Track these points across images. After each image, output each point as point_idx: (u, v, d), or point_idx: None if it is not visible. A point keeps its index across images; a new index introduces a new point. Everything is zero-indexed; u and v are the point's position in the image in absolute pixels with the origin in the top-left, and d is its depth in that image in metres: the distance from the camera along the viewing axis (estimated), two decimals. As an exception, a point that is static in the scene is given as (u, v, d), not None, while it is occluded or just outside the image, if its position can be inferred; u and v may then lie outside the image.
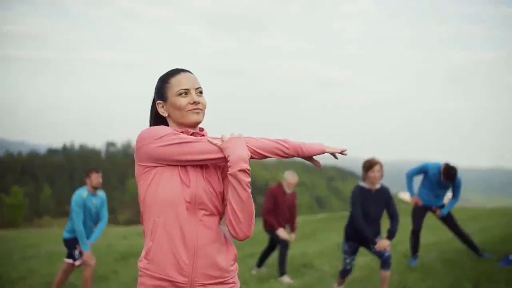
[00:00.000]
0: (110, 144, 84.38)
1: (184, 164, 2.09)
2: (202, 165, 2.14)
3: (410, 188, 7.15)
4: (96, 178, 6.21)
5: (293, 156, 2.19)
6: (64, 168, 72.27)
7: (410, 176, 7.10)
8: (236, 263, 2.24)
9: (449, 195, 7.16)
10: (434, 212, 7.09)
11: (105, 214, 6.45)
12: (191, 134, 2.18)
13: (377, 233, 5.41)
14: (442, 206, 7.05)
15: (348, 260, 5.59)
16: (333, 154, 2.22)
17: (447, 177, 6.74)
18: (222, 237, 2.18)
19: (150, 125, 2.30)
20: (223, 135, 2.14)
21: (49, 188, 63.32)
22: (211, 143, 2.09)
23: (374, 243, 5.27)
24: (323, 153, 2.21)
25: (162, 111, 2.22)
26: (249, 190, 2.07)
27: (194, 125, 2.19)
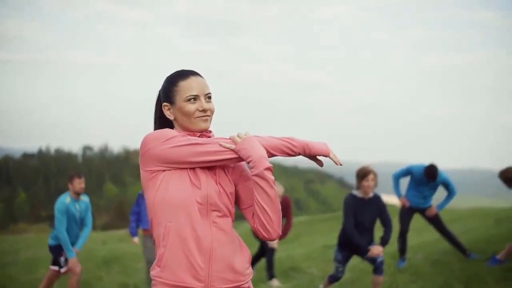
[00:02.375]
0: (87, 148, 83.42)
1: (195, 166, 2.02)
2: (211, 167, 2.07)
3: (397, 190, 7.15)
4: (78, 183, 6.09)
5: (299, 154, 2.15)
6: (39, 173, 71.21)
7: (396, 178, 7.10)
8: (251, 267, 2.17)
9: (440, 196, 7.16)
10: (422, 213, 7.09)
11: (89, 220, 6.34)
12: (198, 136, 2.11)
13: (370, 242, 5.36)
14: (429, 207, 7.05)
15: (340, 269, 5.55)
16: (332, 159, 2.19)
17: (429, 175, 6.77)
18: (236, 239, 2.11)
19: (155, 127, 2.23)
20: (231, 135, 2.08)
21: (24, 193, 62.30)
22: (222, 145, 2.02)
23: (367, 252, 5.22)
24: (327, 155, 2.17)
25: (169, 114, 2.15)
26: (275, 188, 2.03)
27: (202, 131, 2.13)
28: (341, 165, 2.19)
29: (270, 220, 2.02)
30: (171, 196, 1.99)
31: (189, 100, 2.08)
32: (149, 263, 6.82)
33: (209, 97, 2.13)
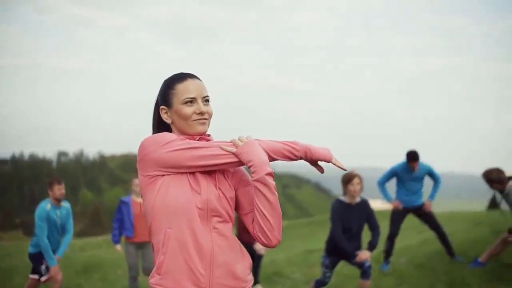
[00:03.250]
0: (61, 154, 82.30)
1: (195, 170, 1.98)
2: (211, 171, 2.03)
3: (385, 195, 7.18)
4: (58, 189, 5.96)
5: (301, 158, 2.11)
6: (12, 179, 70.00)
7: (382, 183, 7.14)
8: (251, 274, 2.12)
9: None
10: (416, 212, 7.12)
11: (71, 226, 6.21)
12: (197, 140, 2.07)
13: (358, 247, 5.35)
14: (422, 205, 7.08)
15: (328, 274, 5.53)
16: (334, 164, 2.15)
17: (410, 159, 6.86)
18: (237, 245, 2.06)
19: (153, 131, 2.17)
20: (232, 139, 2.04)
21: (-3, 200, 61.19)
22: (223, 149, 1.98)
23: (355, 257, 5.21)
24: (329, 161, 2.12)
25: (166, 118, 2.11)
26: (277, 194, 1.98)
27: (199, 135, 2.08)
28: (345, 170, 2.15)
29: (271, 226, 1.98)
30: (170, 201, 1.95)
31: (186, 103, 2.04)
32: (132, 270, 6.71)
33: (207, 100, 2.09)
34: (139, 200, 6.70)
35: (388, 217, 7.37)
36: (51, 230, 5.95)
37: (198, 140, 2.06)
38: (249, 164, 1.96)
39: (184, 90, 2.05)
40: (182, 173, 1.97)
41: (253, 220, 2.04)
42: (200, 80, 2.11)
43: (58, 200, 5.98)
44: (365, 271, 5.26)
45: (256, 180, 1.95)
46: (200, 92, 2.06)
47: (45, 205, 5.92)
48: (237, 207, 2.11)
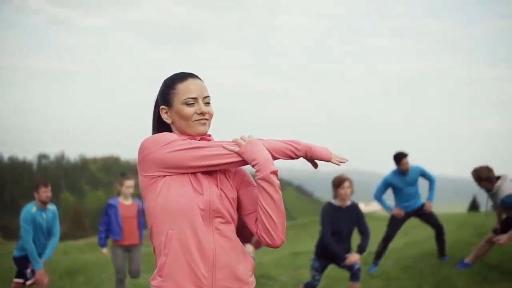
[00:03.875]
0: (42, 156, 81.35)
1: (197, 171, 1.96)
2: (213, 172, 2.01)
3: (385, 206, 7.23)
4: (44, 192, 5.88)
5: (301, 157, 2.10)
6: (-8, 182, 68.96)
7: (379, 196, 7.18)
8: (253, 275, 2.10)
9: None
10: (417, 214, 7.14)
11: (57, 229, 6.13)
12: (199, 140, 2.05)
13: (347, 250, 5.37)
14: (422, 206, 7.11)
15: (317, 277, 5.53)
16: (334, 163, 2.13)
17: (398, 159, 6.91)
18: (240, 246, 2.04)
19: (153, 131, 2.15)
20: (234, 138, 2.02)
21: (-24, 203, 60.21)
22: (226, 148, 1.96)
23: (344, 260, 5.23)
24: (329, 160, 2.11)
25: (166, 118, 2.08)
26: (280, 193, 1.97)
27: (200, 135, 2.06)
28: (347, 160, 2.13)
29: (275, 225, 1.96)
30: (172, 202, 1.92)
31: (186, 103, 2.02)
32: (119, 272, 6.65)
33: (208, 101, 2.07)
34: (126, 202, 6.64)
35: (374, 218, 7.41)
36: (37, 233, 5.88)
37: (199, 140, 2.04)
38: (253, 162, 1.94)
39: (185, 90, 2.03)
40: (183, 173, 1.95)
41: (256, 220, 2.02)
42: (201, 80, 2.09)
43: (44, 203, 5.91)
44: (354, 274, 5.28)
45: (261, 179, 1.93)
46: (201, 92, 2.04)
47: (31, 208, 5.85)
48: (239, 207, 2.09)
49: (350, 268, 5.29)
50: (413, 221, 8.09)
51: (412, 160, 7.05)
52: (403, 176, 6.98)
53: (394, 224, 7.15)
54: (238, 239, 2.06)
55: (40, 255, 5.93)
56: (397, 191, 7.09)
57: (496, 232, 6.19)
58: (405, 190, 7.01)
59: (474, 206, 46.48)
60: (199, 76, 2.11)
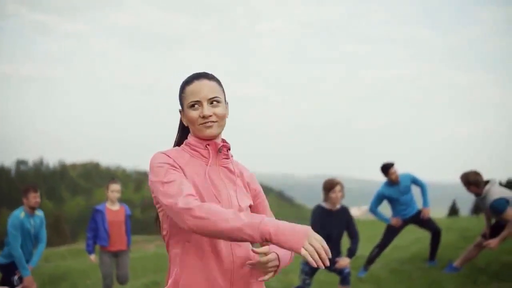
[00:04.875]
0: (20, 162, 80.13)
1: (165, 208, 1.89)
2: (231, 180, 1.99)
3: (382, 218, 7.25)
4: (33, 197, 5.79)
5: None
6: (-31, 189, 67.79)
7: (374, 210, 7.20)
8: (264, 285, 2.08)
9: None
10: (415, 220, 7.15)
11: (44, 235, 6.06)
12: (208, 145, 2.00)
13: (337, 253, 5.37)
14: (418, 212, 7.14)
15: (308, 281, 5.52)
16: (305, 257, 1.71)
17: (386, 170, 6.96)
18: (254, 257, 2.00)
19: (177, 134, 2.13)
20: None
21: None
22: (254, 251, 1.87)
23: (334, 263, 5.23)
24: (298, 252, 1.69)
25: (184, 121, 2.05)
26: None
27: (209, 138, 2.00)
28: (326, 265, 1.70)
29: None
30: None
31: (191, 106, 1.97)
32: (106, 279, 6.57)
33: (216, 101, 1.97)
34: (114, 207, 6.58)
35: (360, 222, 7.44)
36: (25, 239, 5.79)
37: (206, 146, 2.00)
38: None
39: (190, 93, 1.98)
40: (201, 184, 1.92)
41: None
42: (211, 80, 2.01)
43: (32, 209, 5.83)
44: (344, 278, 5.29)
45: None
46: (205, 94, 1.96)
47: (19, 214, 5.75)
48: None
49: (340, 272, 5.29)
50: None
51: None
52: (395, 186, 7.01)
53: (391, 232, 7.18)
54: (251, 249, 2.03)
55: (27, 261, 5.84)
56: (393, 202, 7.11)
57: (485, 236, 6.25)
58: (401, 199, 7.04)
59: (453, 210, 47.11)
60: (210, 74, 2.04)
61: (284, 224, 1.70)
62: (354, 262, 7.43)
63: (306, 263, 5.48)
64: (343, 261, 5.22)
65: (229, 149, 2.06)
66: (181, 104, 2.04)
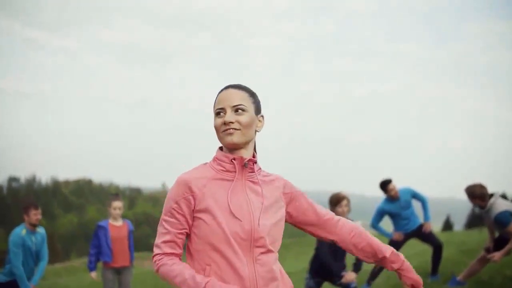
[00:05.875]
0: (12, 179, 79.46)
1: None
2: (257, 194, 1.96)
3: (384, 233, 7.30)
4: (34, 214, 5.78)
5: None
6: (-41, 206, 67.11)
7: (375, 225, 7.25)
8: None
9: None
10: (417, 234, 7.16)
11: (45, 252, 6.02)
12: (246, 162, 1.98)
13: (343, 268, 5.36)
14: (420, 226, 7.14)
15: None
16: None
17: (384, 187, 7.00)
18: (279, 274, 1.98)
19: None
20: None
21: None
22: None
23: (340, 278, 5.22)
24: None
25: None
26: None
27: (230, 146, 1.97)
28: None
29: None
30: (208, 235, 1.88)
31: (217, 114, 1.98)
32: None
33: (240, 109, 1.95)
34: (117, 223, 6.55)
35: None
36: (26, 257, 5.76)
37: (232, 160, 1.97)
38: None
39: (217, 101, 2.00)
40: (219, 204, 1.92)
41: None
42: (240, 89, 2.01)
43: (33, 226, 5.80)
44: None
45: None
46: (229, 102, 1.96)
47: (20, 231, 5.73)
48: (298, 223, 2.11)
49: (346, 286, 5.28)
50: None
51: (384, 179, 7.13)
52: (396, 202, 7.04)
53: (393, 246, 7.16)
54: (278, 265, 2.00)
55: (28, 279, 5.79)
56: (394, 217, 7.14)
57: (489, 250, 6.25)
58: (402, 214, 7.06)
59: (448, 225, 47.17)
60: (243, 85, 2.05)
61: None
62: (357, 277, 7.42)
63: (311, 277, 5.46)
64: (350, 276, 5.21)
65: (255, 163, 2.03)
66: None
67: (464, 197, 6.17)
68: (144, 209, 72.30)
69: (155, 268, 1.95)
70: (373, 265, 7.23)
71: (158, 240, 1.95)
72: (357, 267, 5.35)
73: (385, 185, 7.00)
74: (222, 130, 1.95)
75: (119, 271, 6.54)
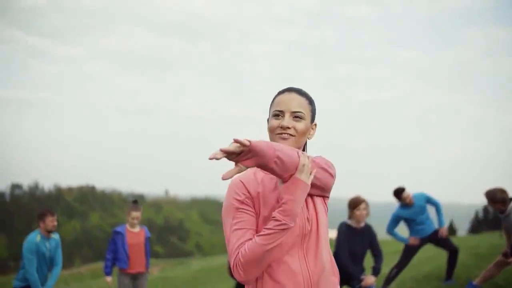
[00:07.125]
0: (15, 186, 79.47)
1: None
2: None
3: (399, 238, 7.28)
4: (51, 221, 5.80)
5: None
6: (-37, 213, 67.12)
7: (391, 231, 7.24)
8: None
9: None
10: (432, 239, 7.17)
11: (60, 258, 6.01)
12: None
13: (362, 271, 5.35)
14: (436, 231, 7.13)
15: None
16: None
17: (398, 194, 7.00)
18: (330, 266, 1.97)
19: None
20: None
21: None
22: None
23: (360, 281, 5.20)
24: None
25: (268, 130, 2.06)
26: None
27: None
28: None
29: None
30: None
31: (274, 115, 1.99)
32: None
33: (298, 116, 1.96)
34: (134, 229, 6.54)
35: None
36: (40, 263, 5.76)
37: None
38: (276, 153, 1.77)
39: (276, 103, 2.00)
40: (264, 205, 1.89)
41: None
42: (301, 95, 2.02)
43: (49, 232, 5.80)
44: None
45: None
46: (289, 107, 1.96)
47: (35, 237, 5.73)
48: None
49: None
50: (401, 246, 8.14)
51: (385, 186, 7.13)
52: (411, 208, 7.05)
53: (410, 251, 7.18)
54: (330, 257, 1.99)
55: (42, 285, 5.78)
56: (410, 222, 7.15)
57: (507, 255, 6.21)
58: (418, 219, 7.07)
59: (451, 230, 47.10)
60: (304, 91, 2.06)
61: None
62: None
63: None
64: (369, 279, 5.19)
65: None
66: (269, 112, 2.04)
67: (466, 202, 6.20)
68: (147, 216, 72.35)
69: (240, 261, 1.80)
70: (388, 270, 7.26)
71: (231, 246, 1.84)
72: (376, 271, 5.33)
73: (399, 193, 7.01)
74: (277, 132, 1.96)
75: (135, 277, 6.52)
